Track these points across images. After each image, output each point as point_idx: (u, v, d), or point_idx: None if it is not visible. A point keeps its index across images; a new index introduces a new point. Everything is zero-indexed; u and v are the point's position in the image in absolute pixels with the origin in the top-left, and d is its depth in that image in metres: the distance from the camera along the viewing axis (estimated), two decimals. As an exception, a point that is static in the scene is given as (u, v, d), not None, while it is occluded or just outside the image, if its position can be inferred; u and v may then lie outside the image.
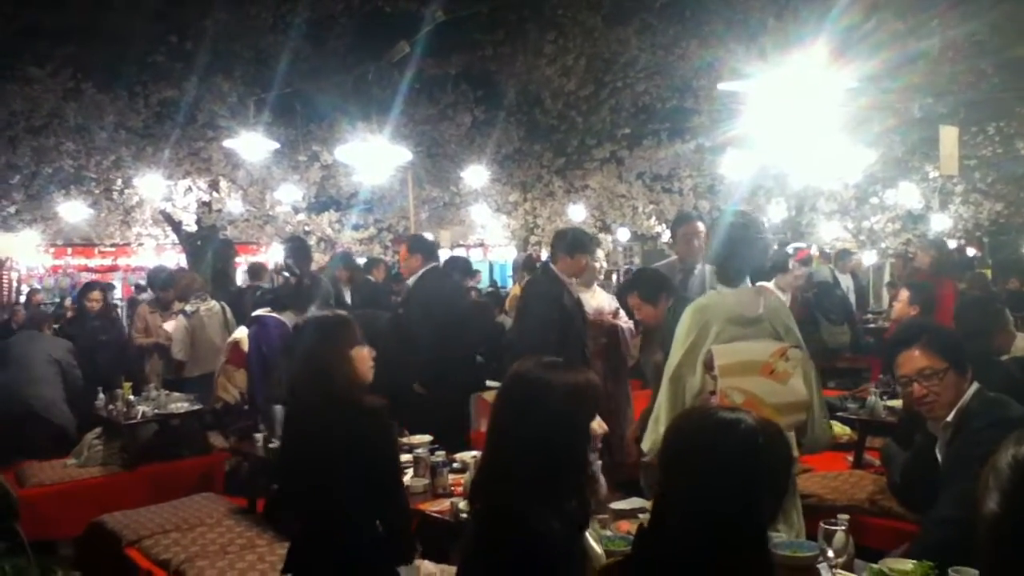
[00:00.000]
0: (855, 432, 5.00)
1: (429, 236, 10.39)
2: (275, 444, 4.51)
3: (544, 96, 11.63)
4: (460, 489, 3.66)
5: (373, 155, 8.62)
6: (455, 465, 4.02)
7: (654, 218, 12.75)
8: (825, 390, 5.49)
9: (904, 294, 5.07)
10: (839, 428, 4.94)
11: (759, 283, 3.50)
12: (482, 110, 11.73)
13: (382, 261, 11.31)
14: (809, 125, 7.01)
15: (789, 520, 3.23)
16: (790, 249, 10.10)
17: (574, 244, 5.31)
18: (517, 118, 12.06)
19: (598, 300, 6.01)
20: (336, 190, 11.69)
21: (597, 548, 2.52)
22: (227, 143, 9.12)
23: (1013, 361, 3.98)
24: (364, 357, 3.07)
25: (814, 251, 13.17)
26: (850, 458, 4.88)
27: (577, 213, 12.66)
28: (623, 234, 15.37)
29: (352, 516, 2.78)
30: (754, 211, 10.46)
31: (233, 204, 11.09)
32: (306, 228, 12.14)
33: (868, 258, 12.45)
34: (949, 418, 2.87)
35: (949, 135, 8.32)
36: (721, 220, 3.90)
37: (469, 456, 4.11)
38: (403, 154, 9.01)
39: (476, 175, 11.87)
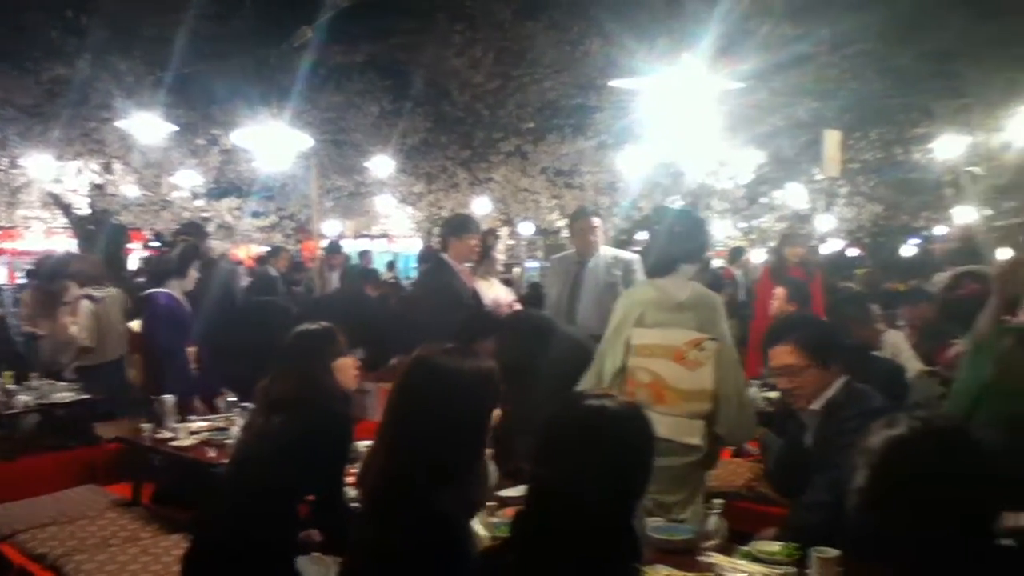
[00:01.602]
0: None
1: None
2: (164, 434, 4.37)
3: (452, 88, 11.59)
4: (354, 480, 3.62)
5: (273, 140, 8.43)
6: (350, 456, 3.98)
7: (557, 212, 12.87)
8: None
9: (781, 291, 5.27)
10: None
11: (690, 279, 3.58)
12: (389, 100, 11.61)
13: (284, 250, 11.09)
14: (699, 123, 7.19)
15: (695, 506, 3.33)
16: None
17: (460, 226, 5.32)
18: (424, 109, 11.98)
19: (495, 291, 6.03)
20: (236, 176, 11.39)
21: (483, 533, 2.54)
22: (121, 124, 8.76)
23: (883, 360, 4.21)
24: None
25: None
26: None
27: (481, 206, 12.68)
28: (527, 228, 15.48)
29: (280, 516, 2.73)
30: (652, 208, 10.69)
31: (128, 188, 10.67)
32: (204, 215, 11.78)
33: (757, 256, 12.85)
34: (816, 407, 3.00)
35: (832, 138, 8.67)
36: (662, 214, 4.03)
37: (363, 446, 4.08)
38: (304, 140, 8.83)
39: (382, 165, 11.74)
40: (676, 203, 10.70)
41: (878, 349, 4.50)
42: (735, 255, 11.87)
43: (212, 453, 4.04)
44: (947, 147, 10.84)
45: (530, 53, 10.70)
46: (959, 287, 3.66)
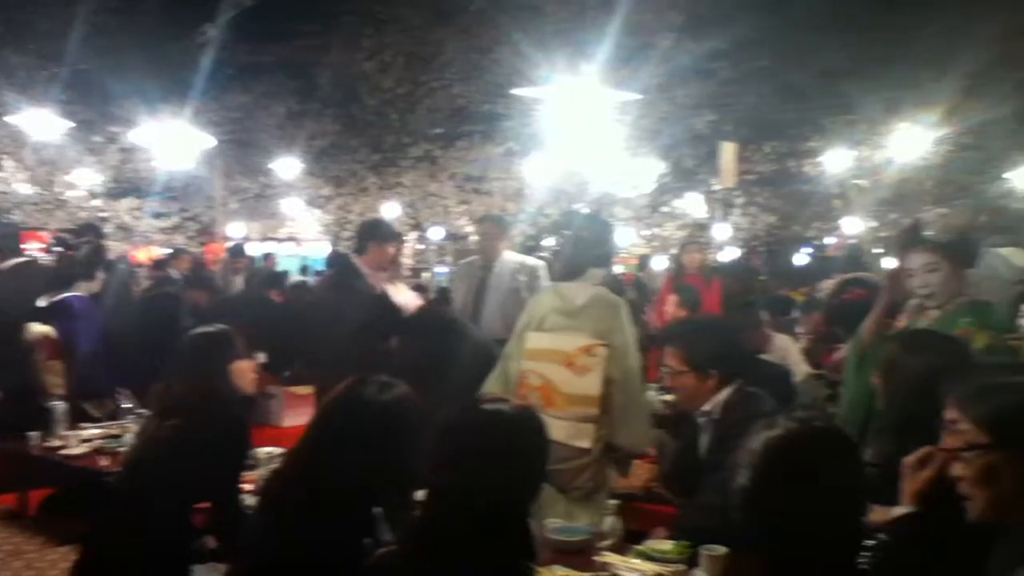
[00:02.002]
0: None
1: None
2: (54, 443, 4.17)
3: (362, 91, 11.49)
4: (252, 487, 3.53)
5: (174, 139, 8.17)
6: (247, 462, 3.88)
7: (466, 218, 12.88)
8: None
9: (673, 298, 5.43)
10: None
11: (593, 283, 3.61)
12: (297, 101, 11.42)
13: (186, 253, 10.74)
14: (600, 133, 7.30)
15: (599, 509, 3.37)
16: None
17: (380, 231, 5.23)
18: (334, 111, 11.84)
19: (402, 296, 5.98)
20: (136, 175, 10.99)
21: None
22: (12, 119, 8.36)
23: (771, 364, 4.37)
24: (244, 370, 2.93)
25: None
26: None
27: (391, 210, 12.59)
28: (436, 233, 15.44)
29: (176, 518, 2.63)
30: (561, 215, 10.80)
31: (20, 185, 10.18)
32: (102, 215, 11.31)
33: (659, 263, 13.16)
34: (707, 407, 3.09)
35: (728, 150, 8.95)
36: (570, 219, 4.04)
37: (263, 452, 3.98)
38: (206, 139, 8.59)
39: (288, 167, 11.53)
40: (582, 210, 10.85)
41: (768, 353, 4.66)
42: (644, 262, 12.14)
43: (105, 461, 3.88)
44: (835, 161, 11.33)
45: (440, 59, 10.71)
46: (844, 293, 3.81)
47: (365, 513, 2.08)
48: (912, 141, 10.84)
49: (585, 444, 3.35)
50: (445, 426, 1.77)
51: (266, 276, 9.82)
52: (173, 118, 8.26)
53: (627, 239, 13.90)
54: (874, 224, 13.83)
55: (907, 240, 3.39)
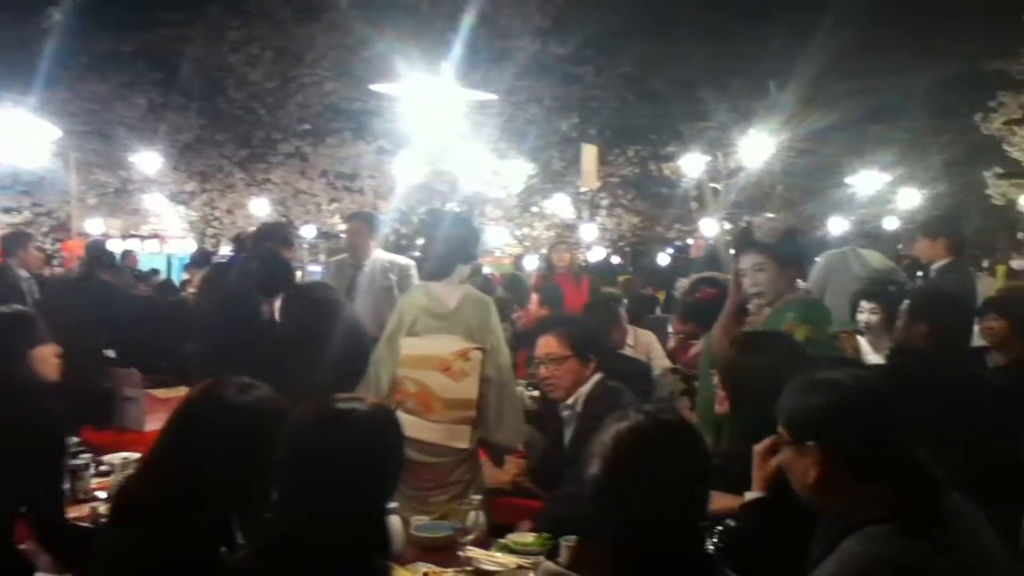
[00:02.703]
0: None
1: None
2: None
3: (228, 85, 11.09)
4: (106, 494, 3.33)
5: (14, 130, 7.55)
6: (103, 468, 3.66)
7: (338, 216, 12.63)
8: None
9: (535, 297, 5.52)
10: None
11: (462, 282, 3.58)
12: (159, 92, 10.90)
13: (40, 250, 10.06)
14: (465, 132, 7.31)
15: (460, 503, 3.35)
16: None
17: (280, 235, 5.06)
18: (199, 105, 11.38)
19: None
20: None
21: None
22: None
23: (630, 359, 4.50)
24: (46, 356, 2.70)
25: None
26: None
27: (260, 207, 12.20)
28: (308, 231, 15.07)
29: None
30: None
31: None
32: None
33: (530, 263, 13.30)
34: (570, 401, 3.14)
35: (590, 152, 9.14)
36: (438, 217, 3.99)
37: (119, 458, 3.77)
38: (51, 131, 8.02)
39: (150, 161, 10.99)
40: (453, 209, 10.86)
41: (625, 348, 4.79)
42: (517, 262, 12.24)
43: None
44: (692, 165, 11.79)
45: (310, 54, 10.48)
46: (696, 292, 3.94)
47: (221, 519, 2.00)
48: (759, 147, 11.39)
49: (463, 445, 3.34)
50: (298, 424, 1.72)
51: (90, 258, 9.16)
52: (14, 107, 7.67)
53: (500, 239, 14.00)
54: (729, 226, 14.47)
55: (739, 242, 3.54)
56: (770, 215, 11.02)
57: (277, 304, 4.16)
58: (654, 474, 1.55)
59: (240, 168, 11.83)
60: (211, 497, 1.92)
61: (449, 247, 3.55)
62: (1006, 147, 8.01)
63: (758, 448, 1.90)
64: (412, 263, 5.23)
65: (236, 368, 2.19)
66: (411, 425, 3.26)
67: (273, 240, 4.88)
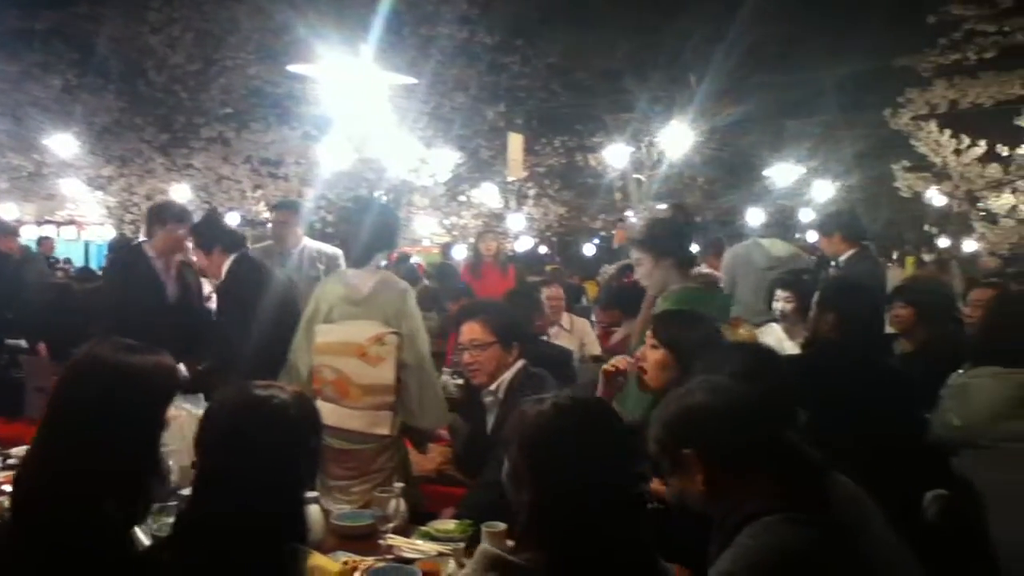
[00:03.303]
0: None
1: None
2: None
3: (148, 67, 10.70)
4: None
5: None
6: (10, 461, 3.51)
7: (263, 203, 12.35)
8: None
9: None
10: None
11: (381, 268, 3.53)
12: (75, 73, 10.45)
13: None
14: (387, 118, 7.22)
15: (382, 490, 3.31)
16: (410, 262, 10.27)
17: (167, 213, 4.87)
18: (117, 87, 10.95)
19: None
20: None
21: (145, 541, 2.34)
22: None
23: (553, 346, 4.55)
24: None
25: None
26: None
27: (181, 193, 11.83)
28: (233, 218, 14.69)
29: None
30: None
31: None
32: None
33: (459, 252, 13.27)
34: (493, 387, 3.13)
35: (516, 141, 9.12)
36: (361, 205, 3.95)
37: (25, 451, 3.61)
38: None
39: (65, 144, 10.54)
40: (380, 198, 10.73)
41: (561, 334, 4.84)
42: (446, 250, 12.20)
43: None
44: (616, 156, 11.89)
45: (233, 37, 10.19)
46: (623, 276, 4.00)
47: (123, 502, 1.90)
48: (679, 138, 11.56)
49: (384, 431, 3.30)
50: (216, 410, 1.67)
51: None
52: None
53: (428, 228, 13.90)
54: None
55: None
56: (661, 206, 11.28)
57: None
58: (572, 456, 1.55)
59: (160, 153, 11.45)
60: (104, 478, 1.83)
61: (368, 235, 3.50)
62: (913, 142, 8.31)
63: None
64: (340, 252, 5.15)
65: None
66: (331, 413, 3.21)
67: (166, 218, 4.71)
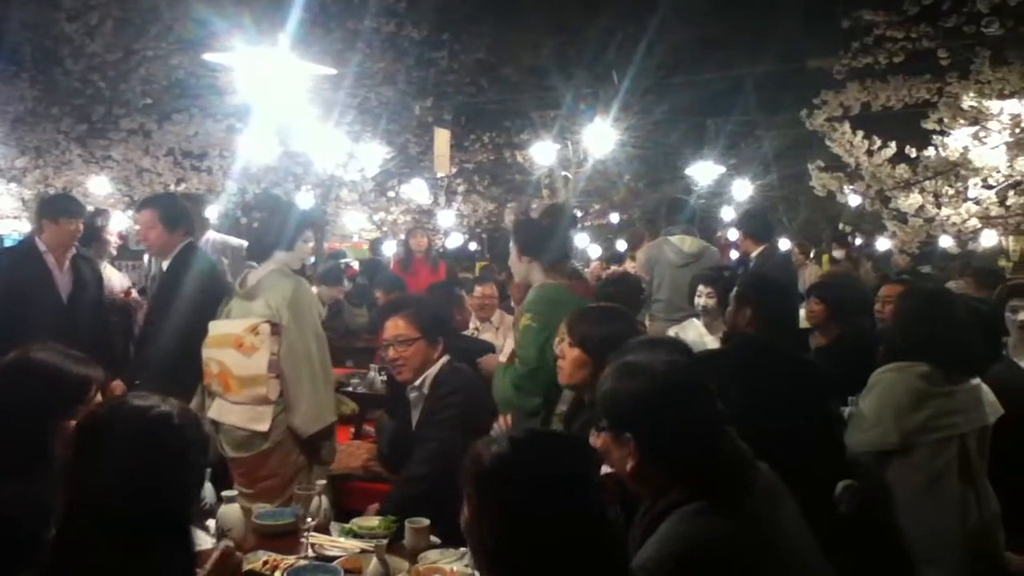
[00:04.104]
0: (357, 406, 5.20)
1: None
2: None
3: (64, 55, 10.26)
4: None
5: None
6: None
7: (186, 196, 11.98)
8: (341, 368, 5.64)
9: (379, 293, 5.54)
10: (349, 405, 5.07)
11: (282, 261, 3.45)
12: (-15, 61, 9.97)
13: None
14: (312, 111, 7.09)
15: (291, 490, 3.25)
16: (342, 263, 10.02)
17: (57, 207, 4.69)
18: (32, 75, 10.47)
19: (107, 277, 5.46)
20: None
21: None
22: None
23: (475, 340, 4.55)
24: None
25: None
26: (352, 429, 5.06)
27: (100, 186, 11.39)
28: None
29: None
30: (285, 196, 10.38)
31: None
32: None
33: (388, 248, 13.11)
34: (418, 383, 3.11)
35: (442, 136, 9.05)
36: (257, 201, 3.95)
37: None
38: None
39: (-26, 134, 10.04)
40: (307, 192, 10.52)
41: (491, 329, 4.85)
42: (375, 246, 12.05)
43: None
44: (543, 153, 11.93)
45: (154, 27, 9.85)
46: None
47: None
48: (603, 136, 11.66)
49: (262, 427, 3.25)
50: (89, 423, 1.57)
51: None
52: None
53: (357, 223, 13.70)
54: (580, 213, 14.75)
55: None
56: (533, 206, 11.42)
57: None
58: (536, 486, 1.46)
59: (78, 144, 10.98)
60: None
61: (265, 231, 3.47)
62: (828, 142, 8.54)
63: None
64: (245, 244, 5.07)
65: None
66: (217, 408, 3.19)
67: (57, 212, 4.55)
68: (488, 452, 1.48)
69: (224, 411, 3.24)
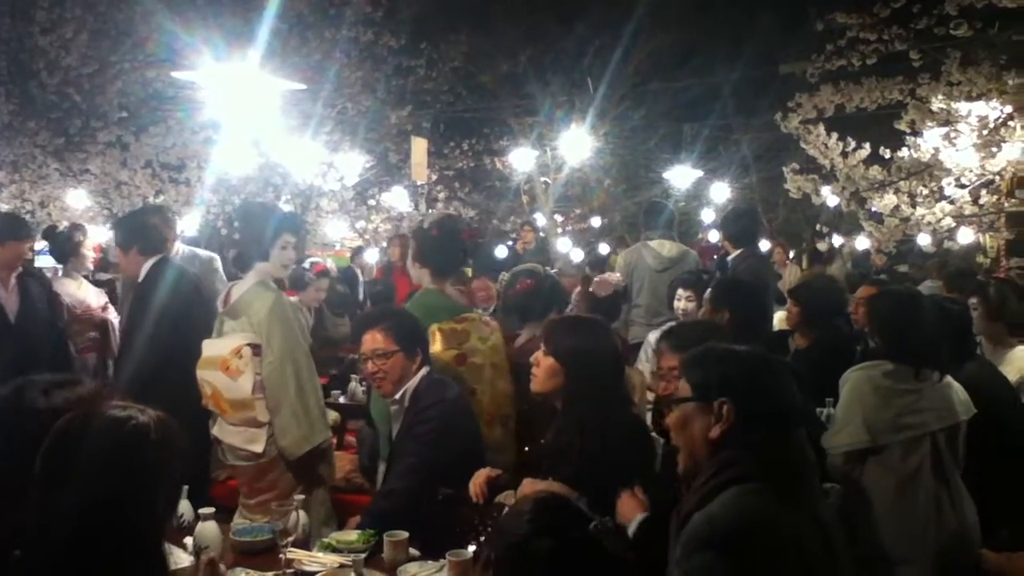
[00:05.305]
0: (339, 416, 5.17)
1: None
2: None
3: (40, 68, 10.17)
4: None
5: None
6: None
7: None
8: (322, 378, 5.61)
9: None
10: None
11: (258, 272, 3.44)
12: (-42, 75, 9.85)
13: None
14: (288, 123, 7.07)
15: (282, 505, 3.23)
16: (307, 264, 9.97)
17: (11, 232, 4.64)
18: (7, 89, 10.37)
19: (84, 293, 5.42)
20: None
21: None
22: None
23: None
24: None
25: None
26: (334, 440, 5.03)
27: (78, 199, 11.29)
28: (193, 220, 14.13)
29: None
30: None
31: None
32: None
33: (371, 256, 13.05)
34: (398, 396, 3.09)
35: (419, 145, 9.05)
36: (238, 213, 3.95)
37: None
38: None
39: (-51, 149, 9.92)
40: (287, 203, 10.47)
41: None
42: (356, 254, 12.02)
43: None
44: (522, 159, 11.97)
45: (129, 39, 9.79)
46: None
47: None
48: (580, 142, 11.72)
49: (257, 448, 3.24)
50: (60, 434, 1.48)
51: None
52: None
53: (339, 232, 13.66)
54: (560, 218, 14.79)
55: None
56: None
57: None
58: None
59: (55, 158, 10.87)
60: None
61: (242, 243, 3.45)
62: (803, 144, 8.60)
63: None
64: (215, 256, 5.06)
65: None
66: (219, 427, 3.19)
67: (3, 235, 4.52)
68: (514, 528, 1.59)
69: (225, 432, 3.26)
